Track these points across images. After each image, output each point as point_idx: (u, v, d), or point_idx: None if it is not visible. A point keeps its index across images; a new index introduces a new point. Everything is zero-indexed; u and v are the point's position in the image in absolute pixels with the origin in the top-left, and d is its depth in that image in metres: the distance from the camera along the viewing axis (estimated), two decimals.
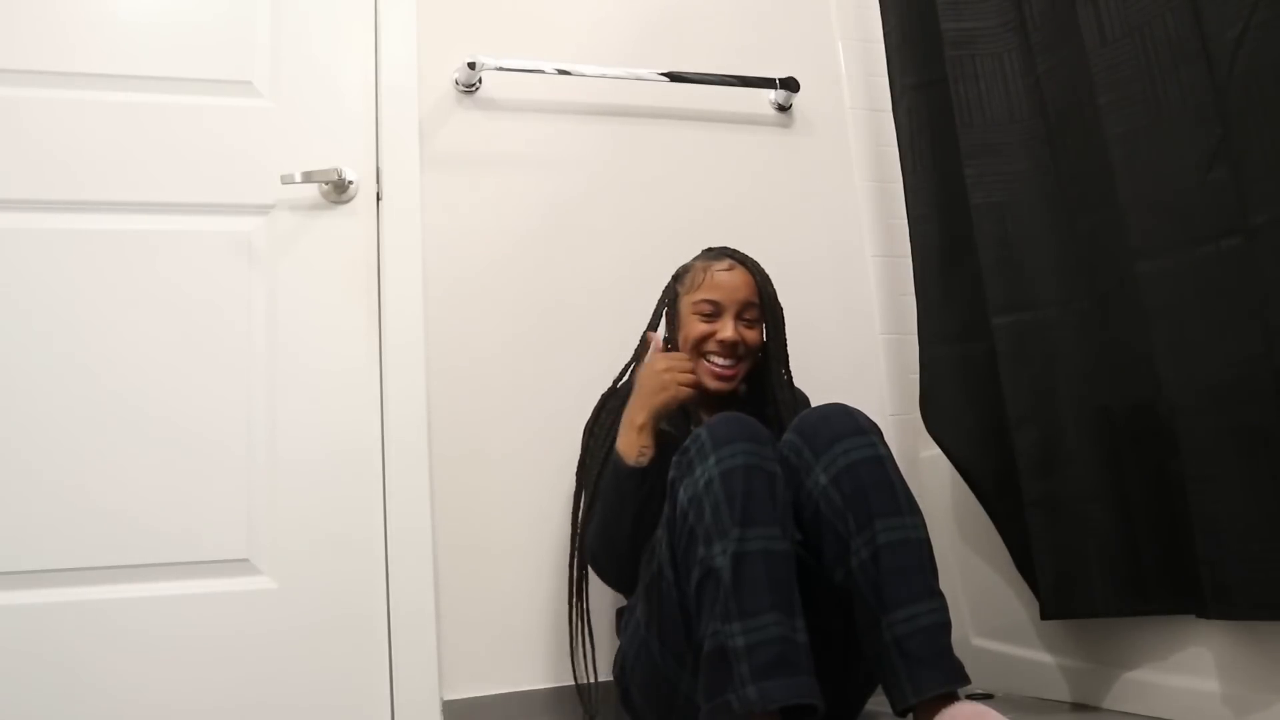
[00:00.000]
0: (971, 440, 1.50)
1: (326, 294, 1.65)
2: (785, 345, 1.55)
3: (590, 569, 1.49)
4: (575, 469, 1.57)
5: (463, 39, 1.82)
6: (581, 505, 1.52)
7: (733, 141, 1.96)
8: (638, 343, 1.59)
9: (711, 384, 1.48)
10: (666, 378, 1.38)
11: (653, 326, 1.57)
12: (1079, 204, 1.36)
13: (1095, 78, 1.26)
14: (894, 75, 1.69)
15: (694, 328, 1.49)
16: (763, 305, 1.51)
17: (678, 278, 1.59)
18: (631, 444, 1.37)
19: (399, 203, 1.71)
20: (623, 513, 1.36)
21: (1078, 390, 1.35)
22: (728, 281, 1.50)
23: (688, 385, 1.39)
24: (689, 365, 1.42)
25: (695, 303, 1.50)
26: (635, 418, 1.38)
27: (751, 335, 1.50)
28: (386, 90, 1.75)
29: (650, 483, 1.35)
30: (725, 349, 1.47)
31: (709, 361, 1.47)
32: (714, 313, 1.48)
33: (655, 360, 1.42)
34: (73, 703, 1.42)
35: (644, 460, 1.35)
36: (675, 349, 1.50)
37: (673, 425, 1.48)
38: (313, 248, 1.67)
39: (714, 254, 1.57)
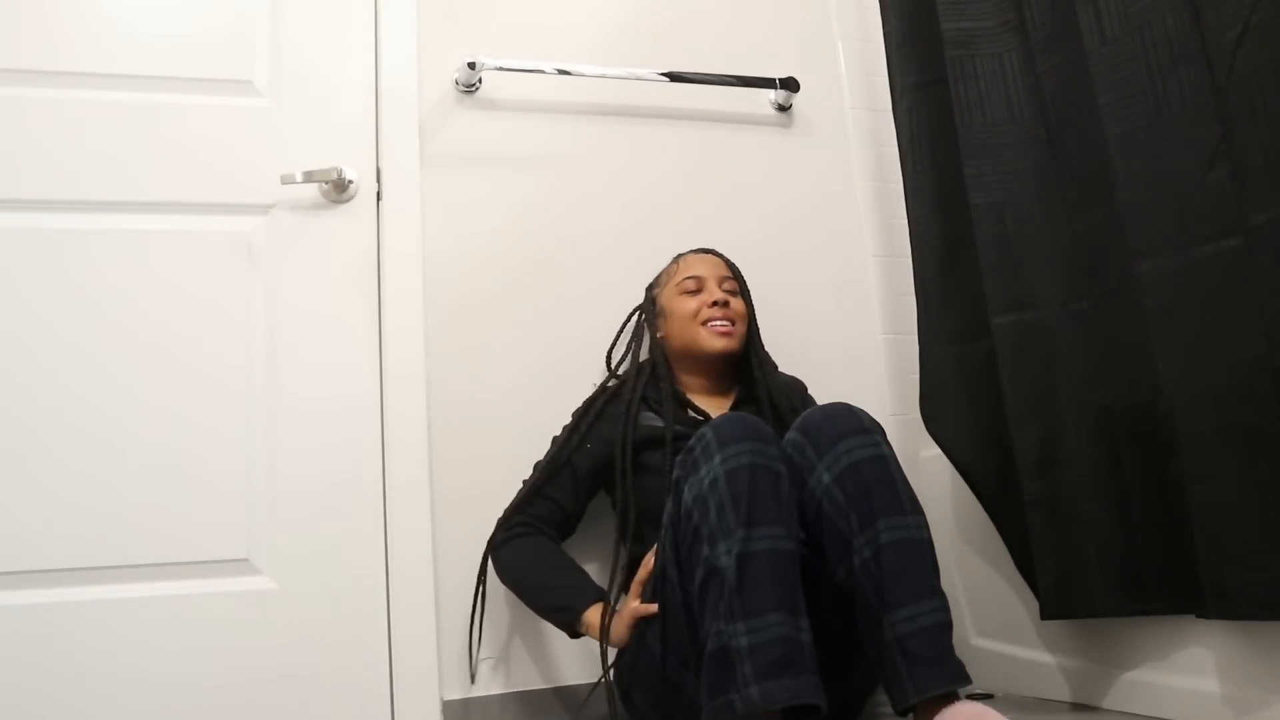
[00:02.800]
0: (971, 440, 1.50)
1: (326, 293, 1.65)
2: (757, 323, 1.65)
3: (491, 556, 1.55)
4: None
5: (463, 39, 1.82)
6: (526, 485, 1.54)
7: (733, 141, 1.96)
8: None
9: (717, 344, 1.55)
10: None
11: (631, 353, 1.64)
12: (1079, 204, 1.36)
13: (1095, 78, 1.27)
14: (894, 75, 1.69)
15: (683, 306, 1.58)
16: (738, 279, 1.63)
17: (650, 286, 1.69)
18: (596, 627, 1.36)
19: (399, 202, 1.71)
20: (529, 603, 1.49)
21: (1078, 390, 1.35)
22: (703, 260, 1.64)
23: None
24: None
25: (679, 284, 1.60)
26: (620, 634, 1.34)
27: (737, 303, 1.59)
28: (386, 90, 1.75)
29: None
30: (718, 308, 1.56)
31: (707, 326, 1.55)
32: (698, 289, 1.59)
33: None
34: (73, 703, 1.41)
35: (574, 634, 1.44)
36: (667, 346, 1.59)
37: (669, 415, 1.49)
38: (313, 247, 1.67)
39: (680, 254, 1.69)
